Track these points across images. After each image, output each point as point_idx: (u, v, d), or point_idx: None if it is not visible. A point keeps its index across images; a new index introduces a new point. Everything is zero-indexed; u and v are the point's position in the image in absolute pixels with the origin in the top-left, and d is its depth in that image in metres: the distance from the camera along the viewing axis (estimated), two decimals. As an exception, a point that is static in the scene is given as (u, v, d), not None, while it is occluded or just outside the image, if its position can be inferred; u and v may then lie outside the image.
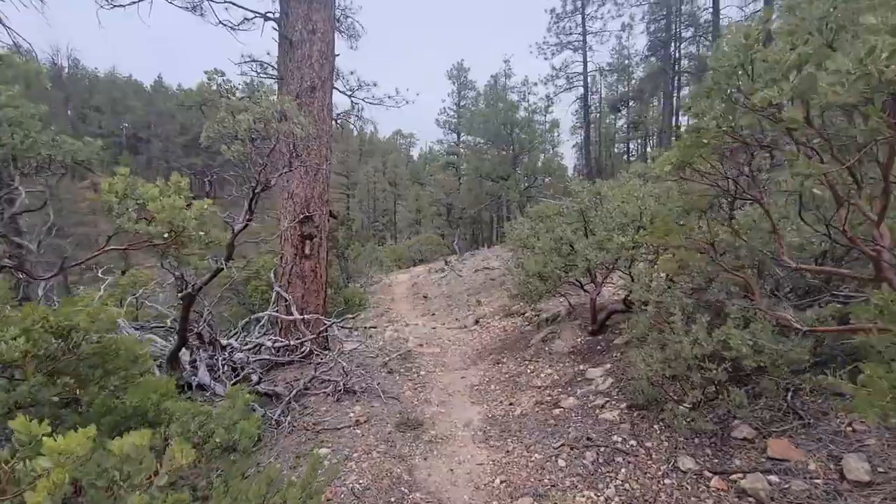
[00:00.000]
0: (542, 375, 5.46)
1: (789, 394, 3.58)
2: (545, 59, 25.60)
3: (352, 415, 4.83)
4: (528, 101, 22.15)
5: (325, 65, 7.36)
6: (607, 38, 26.25)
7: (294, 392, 5.56)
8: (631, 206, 4.69)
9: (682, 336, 3.57)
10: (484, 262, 19.88)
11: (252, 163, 4.12)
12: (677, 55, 24.19)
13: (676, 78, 23.90)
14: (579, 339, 6.25)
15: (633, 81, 40.85)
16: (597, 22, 25.94)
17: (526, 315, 8.35)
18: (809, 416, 3.24)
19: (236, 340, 6.23)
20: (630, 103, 43.14)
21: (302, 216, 7.23)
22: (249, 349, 6.07)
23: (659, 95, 29.90)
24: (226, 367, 5.88)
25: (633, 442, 3.57)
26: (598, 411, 4.20)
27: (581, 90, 26.00)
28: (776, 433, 3.19)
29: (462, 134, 39.88)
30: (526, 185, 16.24)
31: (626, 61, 37.28)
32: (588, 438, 3.77)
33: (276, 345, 6.19)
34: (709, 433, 3.38)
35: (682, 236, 3.40)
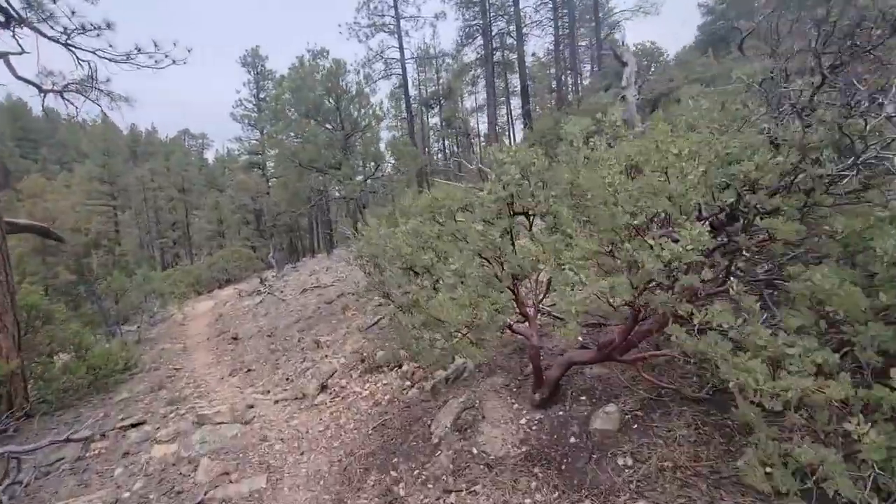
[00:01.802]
0: (505, 542, 2.63)
1: None
2: (359, 41, 22.87)
3: None
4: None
5: None
6: (422, 25, 24.89)
7: None
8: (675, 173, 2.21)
9: None
10: (313, 278, 16.12)
11: None
12: (493, 46, 24.11)
13: (493, 68, 23.83)
14: (524, 421, 3.61)
15: (442, 81, 41.25)
16: (409, 7, 24.20)
17: (404, 369, 5.39)
18: None
19: None
20: (441, 101, 43.54)
21: None
22: None
23: (478, 87, 30.08)
24: None
25: None
26: None
27: (400, 77, 23.97)
28: None
29: (267, 127, 34.14)
30: (365, 176, 12.83)
31: (435, 60, 37.02)
32: None
33: None
34: None
35: None
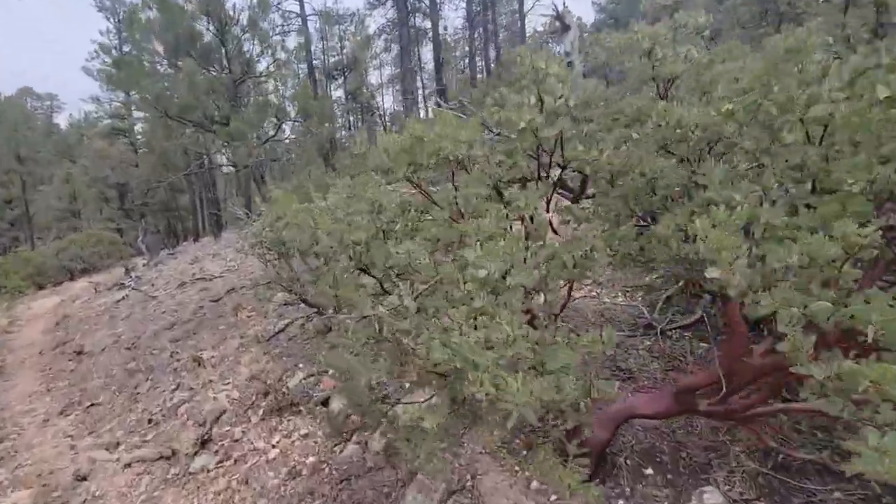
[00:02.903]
0: None
1: None
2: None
3: None
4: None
5: None
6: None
7: None
8: None
9: None
10: (195, 267, 13.23)
11: None
12: (407, 8, 22.10)
13: (409, 32, 21.93)
14: (560, 517, 2.19)
15: (346, 51, 37.98)
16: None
17: (332, 406, 3.67)
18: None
19: None
20: (346, 72, 40.19)
21: None
22: None
23: (389, 55, 27.87)
24: None
25: None
26: None
27: (302, 38, 20.94)
28: None
29: (133, 91, 28.35)
30: (263, 138, 9.78)
31: (339, 27, 33.77)
32: None
33: None
34: None
35: None
